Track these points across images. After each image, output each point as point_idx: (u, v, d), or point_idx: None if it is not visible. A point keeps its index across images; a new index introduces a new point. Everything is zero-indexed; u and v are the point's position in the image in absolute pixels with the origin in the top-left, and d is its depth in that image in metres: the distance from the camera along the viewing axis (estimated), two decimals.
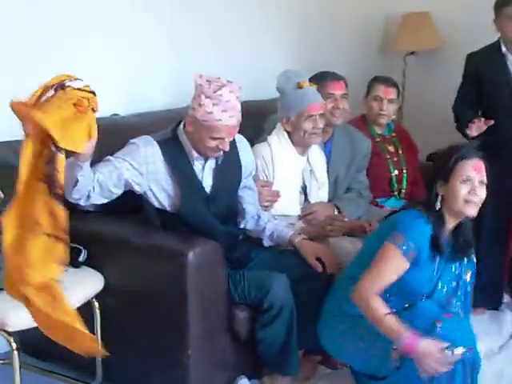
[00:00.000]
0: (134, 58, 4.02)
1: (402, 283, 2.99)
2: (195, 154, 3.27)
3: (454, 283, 3.15)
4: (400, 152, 4.60)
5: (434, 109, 5.74)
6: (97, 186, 3.07)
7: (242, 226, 3.60)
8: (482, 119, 4.06)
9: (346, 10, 5.65)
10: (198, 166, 3.30)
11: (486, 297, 4.21)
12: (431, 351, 2.83)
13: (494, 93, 4.19)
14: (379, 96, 4.50)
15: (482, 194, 3.03)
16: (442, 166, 3.07)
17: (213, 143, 3.17)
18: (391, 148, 4.58)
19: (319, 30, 5.41)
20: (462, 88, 4.40)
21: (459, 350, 2.85)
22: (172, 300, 3.13)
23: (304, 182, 3.87)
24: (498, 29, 4.14)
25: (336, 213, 3.93)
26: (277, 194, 3.74)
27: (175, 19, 4.24)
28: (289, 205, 3.80)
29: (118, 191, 3.18)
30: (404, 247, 2.93)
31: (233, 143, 3.37)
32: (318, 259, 3.43)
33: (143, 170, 3.18)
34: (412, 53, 5.87)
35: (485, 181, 3.04)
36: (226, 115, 3.11)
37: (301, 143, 3.79)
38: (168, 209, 3.29)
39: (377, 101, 4.51)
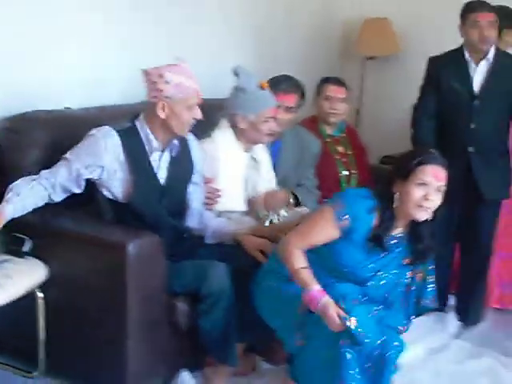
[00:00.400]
0: (86, 51, 4.04)
1: (331, 253, 3.06)
2: (155, 144, 3.35)
3: (401, 283, 3.18)
4: (349, 153, 4.68)
5: (390, 113, 5.84)
6: (58, 188, 3.26)
7: (187, 222, 3.64)
8: None
9: (306, 14, 5.71)
10: (154, 157, 3.37)
11: None
12: (326, 310, 2.89)
13: (454, 98, 4.17)
14: (330, 95, 4.60)
15: (436, 200, 3.03)
16: (403, 165, 3.07)
17: (188, 115, 3.29)
18: (340, 148, 4.66)
19: (279, 32, 5.47)
20: (422, 93, 4.36)
21: (352, 321, 2.88)
22: (112, 291, 3.18)
23: (247, 179, 3.91)
24: (463, 35, 4.15)
25: (291, 199, 4.00)
26: (216, 191, 3.78)
27: (128, 15, 4.26)
28: (233, 200, 3.85)
29: (79, 190, 3.31)
30: (339, 215, 2.97)
31: (184, 141, 3.48)
32: (262, 252, 3.47)
33: (102, 162, 3.26)
34: (371, 58, 5.95)
35: (442, 189, 3.04)
36: (192, 81, 3.28)
37: (251, 141, 3.86)
38: (120, 199, 3.34)
39: (328, 100, 4.61)
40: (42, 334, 3.37)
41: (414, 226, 3.13)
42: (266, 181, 3.98)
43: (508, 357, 3.96)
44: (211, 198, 3.76)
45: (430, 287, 3.27)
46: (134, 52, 4.22)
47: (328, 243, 3.06)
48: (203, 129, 3.75)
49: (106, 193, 3.35)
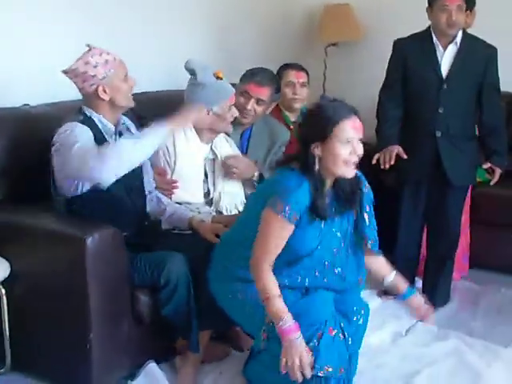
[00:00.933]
0: (44, 47, 4.02)
1: (287, 246, 3.01)
2: (112, 127, 3.39)
3: (342, 239, 3.15)
4: None
5: (354, 98, 5.76)
6: None
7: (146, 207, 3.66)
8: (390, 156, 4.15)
9: (267, 2, 5.70)
10: (112, 141, 3.37)
11: None
12: (296, 351, 2.88)
13: (422, 83, 4.16)
14: (291, 81, 4.65)
15: (360, 152, 2.98)
16: (319, 127, 2.95)
17: (127, 86, 3.37)
18: None
19: (239, 21, 5.45)
20: (388, 78, 4.34)
21: (326, 370, 2.92)
22: (73, 286, 3.18)
23: (206, 171, 3.92)
24: (431, 19, 4.12)
25: (256, 173, 4.02)
26: (172, 183, 3.78)
27: (86, 5, 4.25)
28: (191, 192, 3.85)
29: None
30: (286, 213, 2.90)
31: (126, 125, 3.53)
32: (218, 236, 3.49)
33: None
34: (334, 44, 5.95)
35: (361, 137, 2.99)
36: (112, 54, 3.35)
37: (216, 131, 3.88)
38: (86, 186, 3.28)
39: (289, 86, 4.65)
40: (6, 330, 3.38)
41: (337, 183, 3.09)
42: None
43: (473, 337, 3.99)
44: (168, 189, 3.77)
45: (372, 227, 3.22)
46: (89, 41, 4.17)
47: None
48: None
49: (70, 185, 3.29)
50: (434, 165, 4.16)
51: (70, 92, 4.01)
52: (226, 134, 4.03)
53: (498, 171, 4.26)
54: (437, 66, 4.12)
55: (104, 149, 3.15)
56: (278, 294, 2.95)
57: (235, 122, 4.01)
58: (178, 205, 3.74)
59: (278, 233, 2.96)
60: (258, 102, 4.17)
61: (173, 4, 4.88)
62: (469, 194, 4.67)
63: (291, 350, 2.88)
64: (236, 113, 3.88)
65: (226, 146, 4.01)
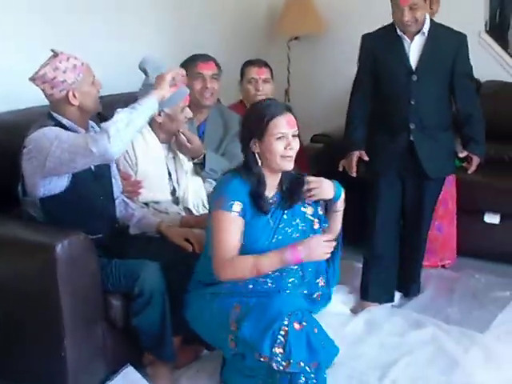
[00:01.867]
0: (5, 54, 3.97)
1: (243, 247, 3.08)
2: (83, 131, 3.34)
3: (296, 234, 3.21)
4: None
5: (318, 91, 5.86)
6: None
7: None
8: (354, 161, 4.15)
9: None
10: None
11: (381, 292, 4.28)
12: (312, 252, 3.01)
13: (392, 75, 4.08)
14: (253, 78, 4.65)
15: (296, 146, 3.12)
16: (255, 126, 3.09)
17: (95, 90, 3.36)
18: None
19: (200, 15, 5.40)
20: (358, 71, 4.26)
21: (299, 366, 2.93)
22: (45, 293, 3.14)
23: (169, 170, 3.91)
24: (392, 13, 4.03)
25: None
26: (137, 183, 3.78)
27: (47, 9, 4.20)
28: (157, 191, 3.85)
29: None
30: (227, 205, 3.01)
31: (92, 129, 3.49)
32: (187, 241, 3.49)
33: None
34: (295, 38, 5.95)
35: (297, 133, 3.12)
36: (78, 59, 3.31)
37: (171, 132, 3.86)
38: (57, 191, 3.27)
39: (251, 83, 4.65)
40: None
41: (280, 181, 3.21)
42: (190, 170, 3.99)
43: (449, 324, 4.00)
44: (133, 191, 3.77)
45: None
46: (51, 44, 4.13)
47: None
48: None
49: (42, 189, 3.26)
50: (410, 157, 4.09)
51: (31, 99, 4.01)
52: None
53: (476, 160, 4.17)
54: (405, 57, 4.04)
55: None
56: (253, 256, 3.03)
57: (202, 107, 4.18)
58: (145, 209, 3.74)
59: (227, 227, 3.03)
60: (213, 77, 4.22)
61: (134, 5, 4.85)
62: (454, 183, 4.73)
63: (313, 253, 3.02)
64: (190, 114, 3.85)
65: None
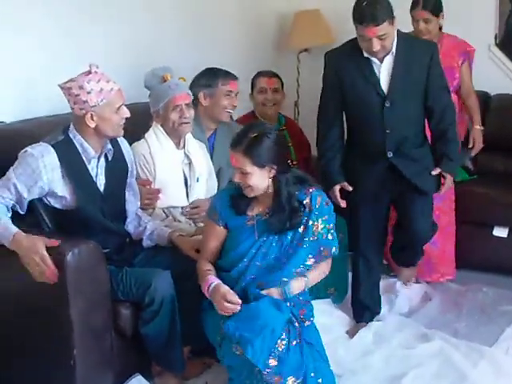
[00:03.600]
0: (17, 63, 3.98)
1: (227, 255, 3.29)
2: (92, 152, 3.34)
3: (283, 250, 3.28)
4: (290, 145, 4.70)
5: None
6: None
7: (127, 227, 3.65)
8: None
9: (238, 9, 5.68)
10: (92, 165, 3.37)
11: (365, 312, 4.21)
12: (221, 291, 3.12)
13: (362, 101, 3.79)
14: (263, 87, 4.70)
15: None
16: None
17: (118, 117, 3.31)
18: None
19: (212, 27, 5.42)
20: (323, 95, 3.96)
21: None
22: (54, 302, 3.14)
23: (185, 175, 3.94)
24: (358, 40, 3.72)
25: None
26: (157, 192, 3.82)
27: (58, 27, 4.21)
28: (174, 197, 3.89)
29: (22, 212, 3.29)
30: (211, 216, 3.31)
31: (116, 143, 3.48)
32: (198, 251, 3.49)
33: (43, 181, 3.23)
34: (305, 50, 5.97)
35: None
36: (111, 83, 3.29)
37: (173, 134, 3.89)
38: (63, 209, 3.31)
39: (262, 93, 4.70)
40: None
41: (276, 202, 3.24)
42: (203, 179, 4.01)
43: (458, 337, 3.99)
44: (151, 198, 3.80)
45: (330, 236, 3.33)
46: (66, 62, 4.15)
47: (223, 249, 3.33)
48: (138, 131, 3.86)
49: (48, 203, 3.31)
50: (394, 178, 3.89)
51: (42, 108, 4.04)
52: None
53: (449, 179, 3.99)
54: (376, 81, 3.76)
55: None
56: (210, 269, 3.29)
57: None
58: (158, 222, 3.76)
59: (209, 233, 3.35)
60: (236, 95, 4.30)
61: (147, 16, 4.87)
62: (453, 197, 4.70)
63: (215, 295, 3.14)
64: (186, 114, 3.84)
65: (198, 151, 4.04)
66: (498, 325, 4.16)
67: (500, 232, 4.79)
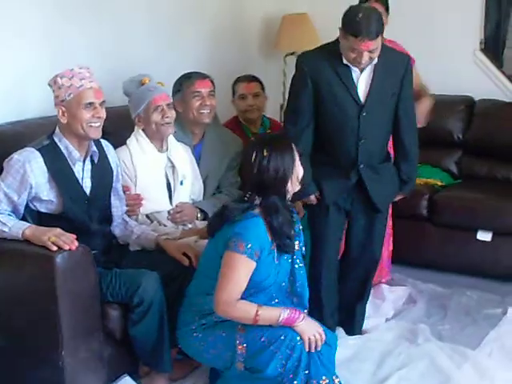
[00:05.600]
0: (5, 65, 3.97)
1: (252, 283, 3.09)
2: (77, 154, 3.37)
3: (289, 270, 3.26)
4: None
5: None
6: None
7: (113, 230, 3.68)
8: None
9: (224, 13, 5.68)
10: (78, 168, 3.40)
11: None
12: (311, 327, 3.07)
13: (337, 109, 3.66)
14: (243, 94, 4.67)
15: None
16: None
17: (86, 114, 3.30)
18: None
19: (199, 30, 5.43)
20: (293, 101, 3.79)
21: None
22: (43, 303, 3.15)
23: (168, 179, 3.95)
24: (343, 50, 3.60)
25: (198, 215, 4.01)
26: (138, 197, 3.82)
27: (46, 31, 4.21)
28: (157, 202, 3.90)
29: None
30: (248, 251, 3.00)
31: (101, 147, 3.52)
32: (185, 254, 3.52)
33: (31, 185, 3.26)
34: (292, 53, 5.98)
35: None
36: (84, 81, 3.32)
37: (155, 136, 3.88)
38: (49, 212, 3.35)
39: (243, 99, 4.67)
40: None
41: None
42: (188, 182, 4.02)
43: (442, 340, 4.05)
44: (134, 204, 3.80)
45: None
46: (55, 64, 4.14)
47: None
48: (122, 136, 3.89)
49: (34, 207, 3.34)
50: (357, 191, 3.83)
51: (31, 110, 4.04)
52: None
53: (401, 196, 4.02)
54: (353, 89, 3.65)
55: None
56: (258, 305, 3.04)
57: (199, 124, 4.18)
58: (144, 226, 3.77)
59: (244, 272, 3.04)
60: (210, 94, 4.19)
61: (153, 22, 4.93)
62: None
63: (307, 327, 3.06)
64: (167, 113, 3.82)
65: (182, 154, 4.04)
66: (481, 328, 4.22)
67: (484, 236, 4.83)
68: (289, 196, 3.18)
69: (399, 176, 3.89)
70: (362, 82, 3.66)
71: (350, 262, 4.03)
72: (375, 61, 3.61)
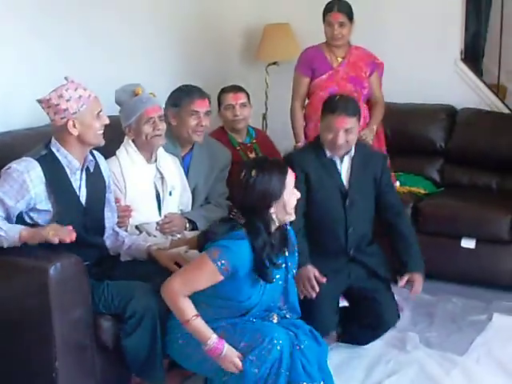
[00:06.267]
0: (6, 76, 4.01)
1: (223, 294, 3.13)
2: (77, 164, 3.37)
3: (282, 282, 3.27)
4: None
5: None
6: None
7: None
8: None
9: (206, 23, 5.72)
10: (76, 177, 3.40)
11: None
12: (229, 361, 3.03)
13: (325, 198, 3.87)
14: (230, 104, 4.69)
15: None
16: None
17: (99, 123, 3.35)
18: (252, 155, 4.72)
19: (179, 42, 5.46)
20: None
21: None
22: (37, 315, 3.16)
23: (157, 190, 3.95)
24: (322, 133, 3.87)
25: (187, 225, 4.02)
26: (127, 209, 3.82)
27: (31, 41, 4.22)
28: (146, 213, 3.90)
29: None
30: (218, 263, 3.01)
31: (94, 158, 3.52)
32: (176, 264, 3.52)
33: (30, 195, 3.24)
34: (274, 63, 6.02)
35: None
36: (88, 91, 3.34)
37: (145, 147, 3.89)
38: (45, 223, 3.31)
39: (229, 109, 4.68)
40: None
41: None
42: (176, 193, 4.02)
43: (430, 347, 4.09)
44: (123, 216, 3.80)
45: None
46: (42, 75, 4.16)
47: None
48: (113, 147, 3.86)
49: (29, 219, 3.32)
50: (351, 267, 3.94)
51: (19, 121, 4.04)
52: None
53: (419, 278, 3.95)
54: (339, 180, 3.90)
55: None
56: (195, 313, 3.07)
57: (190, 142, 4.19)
58: (135, 236, 3.78)
59: (206, 278, 3.06)
60: (206, 114, 4.20)
61: (131, 32, 4.93)
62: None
63: (225, 362, 3.04)
64: (159, 126, 3.83)
65: (170, 165, 4.04)
66: (468, 334, 4.25)
67: (468, 243, 4.86)
68: (276, 223, 3.16)
69: (400, 258, 3.98)
70: (344, 171, 3.89)
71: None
72: (352, 152, 3.85)
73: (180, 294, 3.05)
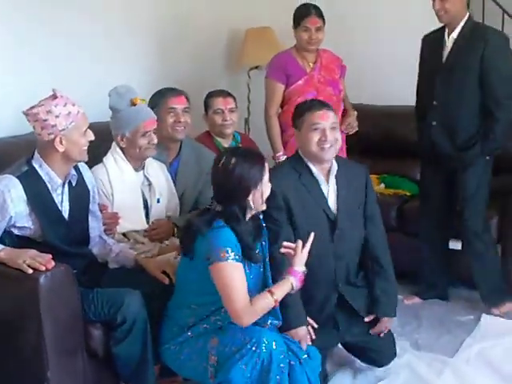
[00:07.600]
0: None
1: (209, 289, 3.11)
2: (59, 180, 3.33)
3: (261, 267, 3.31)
4: None
5: None
6: None
7: (92, 250, 3.65)
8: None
9: (188, 27, 5.70)
10: (57, 193, 3.36)
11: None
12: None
13: (311, 222, 3.52)
14: (220, 108, 4.65)
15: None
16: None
17: (85, 140, 3.31)
18: None
19: (160, 46, 5.46)
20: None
21: None
22: (27, 324, 3.13)
23: (145, 197, 3.95)
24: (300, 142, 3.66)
25: (175, 231, 4.00)
26: (115, 216, 3.80)
27: (16, 48, 4.21)
28: (133, 221, 3.89)
29: None
30: (230, 256, 3.03)
31: (77, 169, 3.48)
32: (164, 272, 3.52)
33: (10, 214, 3.22)
34: (256, 67, 6.02)
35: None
36: (76, 106, 3.29)
37: (137, 158, 3.89)
38: (28, 236, 3.31)
39: (218, 114, 4.65)
40: None
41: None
42: (164, 199, 4.02)
43: (419, 349, 4.11)
44: (111, 223, 3.78)
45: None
46: (23, 83, 4.16)
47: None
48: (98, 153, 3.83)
49: (11, 231, 3.29)
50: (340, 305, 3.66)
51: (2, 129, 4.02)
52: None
53: (385, 321, 3.68)
54: (326, 205, 3.60)
55: None
56: (268, 290, 3.12)
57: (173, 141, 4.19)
58: (122, 244, 3.76)
59: (235, 276, 3.04)
60: (184, 111, 4.21)
61: (107, 30, 4.91)
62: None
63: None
64: (154, 140, 3.86)
65: (158, 172, 4.04)
66: (457, 335, 4.29)
67: (454, 245, 4.87)
68: (251, 211, 3.19)
69: (372, 293, 3.68)
70: (331, 193, 3.61)
71: None
72: (335, 167, 3.58)
73: (249, 309, 3.03)
